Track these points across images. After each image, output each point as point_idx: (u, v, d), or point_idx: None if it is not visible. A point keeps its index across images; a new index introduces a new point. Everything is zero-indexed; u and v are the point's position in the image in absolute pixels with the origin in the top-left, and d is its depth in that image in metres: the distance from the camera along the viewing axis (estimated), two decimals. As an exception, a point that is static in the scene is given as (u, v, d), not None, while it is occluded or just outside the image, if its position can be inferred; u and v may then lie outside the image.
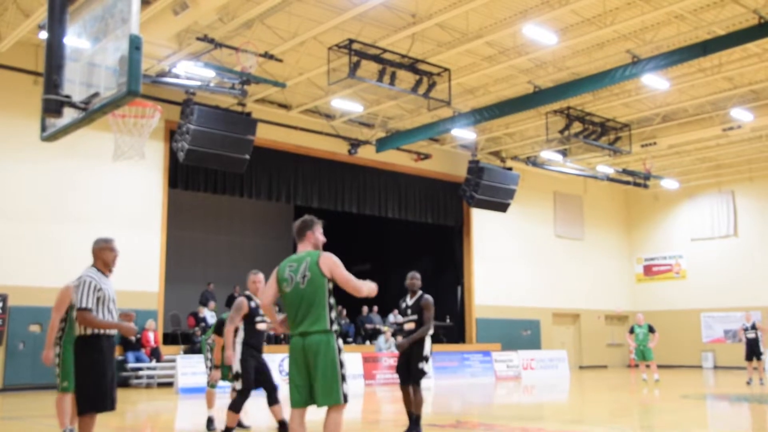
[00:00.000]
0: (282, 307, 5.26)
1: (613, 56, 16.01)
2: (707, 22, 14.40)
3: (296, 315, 5.00)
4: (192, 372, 14.79)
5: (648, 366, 18.17)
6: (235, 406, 7.39)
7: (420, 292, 8.15)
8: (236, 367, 7.40)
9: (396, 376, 8.38)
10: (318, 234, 5.27)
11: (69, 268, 7.76)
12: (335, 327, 5.02)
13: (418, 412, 7.94)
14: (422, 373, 7.88)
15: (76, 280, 5.71)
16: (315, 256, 5.09)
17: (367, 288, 5.15)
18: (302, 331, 4.95)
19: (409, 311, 8.11)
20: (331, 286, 5.05)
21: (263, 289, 4.98)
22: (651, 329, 17.94)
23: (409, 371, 7.95)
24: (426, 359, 7.92)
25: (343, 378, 4.94)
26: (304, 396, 4.95)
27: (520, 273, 24.83)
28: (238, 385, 7.38)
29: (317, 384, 4.90)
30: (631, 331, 18.27)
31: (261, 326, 7.60)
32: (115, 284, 7.13)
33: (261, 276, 7.94)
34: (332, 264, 5.05)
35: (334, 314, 5.04)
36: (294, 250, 5.33)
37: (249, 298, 7.62)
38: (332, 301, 5.05)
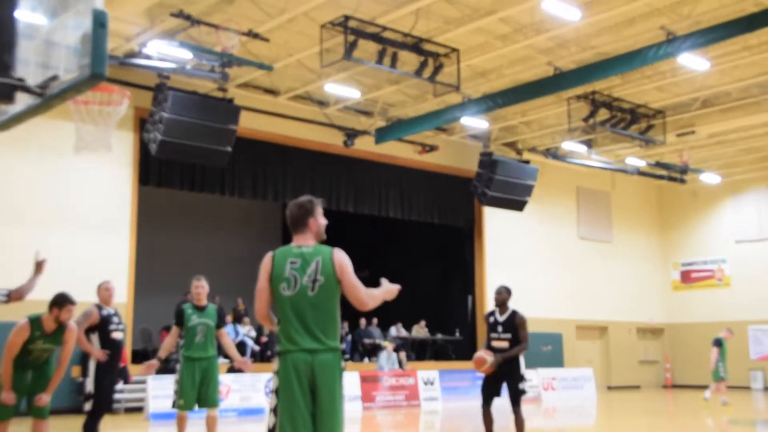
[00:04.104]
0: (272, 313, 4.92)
1: (645, 33, 15.99)
2: (752, -7, 14.40)
3: (299, 326, 4.56)
4: (165, 395, 14.68)
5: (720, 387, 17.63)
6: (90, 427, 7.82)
7: (510, 308, 8.84)
8: (90, 387, 7.82)
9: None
10: (320, 219, 4.85)
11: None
12: (342, 345, 4.73)
13: None
14: (522, 393, 8.57)
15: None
16: (327, 255, 4.66)
17: (375, 300, 4.78)
18: (310, 347, 4.53)
19: (500, 328, 8.80)
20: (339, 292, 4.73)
21: (256, 297, 4.60)
22: None
23: (498, 392, 8.67)
24: (523, 378, 8.62)
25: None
26: (311, 428, 4.49)
27: (539, 280, 24.82)
28: (89, 405, 7.86)
29: (323, 413, 4.51)
30: (719, 344, 17.45)
31: (116, 335, 7.94)
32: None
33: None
34: (344, 264, 4.68)
35: (340, 329, 4.77)
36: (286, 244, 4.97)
37: (100, 307, 7.96)
38: (339, 312, 4.74)
